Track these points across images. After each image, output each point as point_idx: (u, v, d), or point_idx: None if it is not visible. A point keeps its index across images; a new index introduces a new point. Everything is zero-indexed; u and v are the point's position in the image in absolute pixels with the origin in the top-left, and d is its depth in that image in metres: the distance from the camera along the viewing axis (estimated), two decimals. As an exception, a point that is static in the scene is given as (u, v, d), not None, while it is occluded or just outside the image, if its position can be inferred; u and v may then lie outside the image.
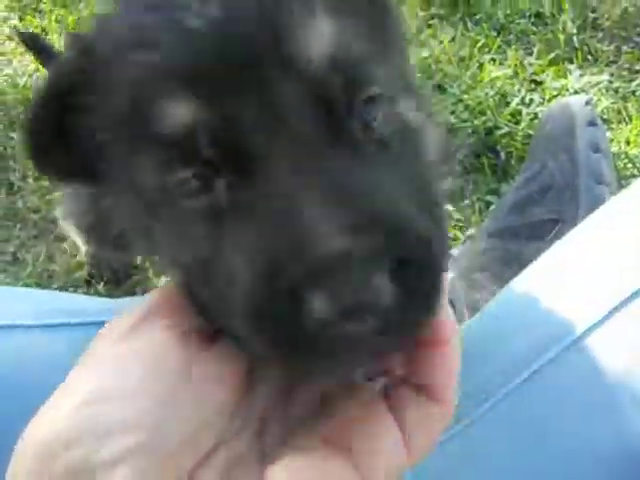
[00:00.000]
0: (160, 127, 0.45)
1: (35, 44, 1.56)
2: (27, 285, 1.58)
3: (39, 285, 1.58)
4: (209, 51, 0.45)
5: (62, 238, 1.66)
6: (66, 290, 1.56)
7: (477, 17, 1.90)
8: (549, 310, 0.84)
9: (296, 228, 0.41)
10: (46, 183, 1.78)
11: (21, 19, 2.16)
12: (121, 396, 0.45)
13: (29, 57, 2.07)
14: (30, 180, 1.79)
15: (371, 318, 0.40)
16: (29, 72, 2.04)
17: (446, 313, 0.49)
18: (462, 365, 0.89)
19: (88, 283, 1.58)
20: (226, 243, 0.45)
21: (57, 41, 2.04)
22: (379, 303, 0.40)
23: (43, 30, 2.11)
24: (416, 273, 0.42)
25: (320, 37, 0.45)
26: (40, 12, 2.15)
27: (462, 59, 1.84)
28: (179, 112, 0.44)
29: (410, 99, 0.54)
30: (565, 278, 0.85)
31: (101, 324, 0.52)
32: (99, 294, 1.56)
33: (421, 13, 1.94)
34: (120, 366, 0.46)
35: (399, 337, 0.43)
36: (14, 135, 1.89)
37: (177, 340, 0.48)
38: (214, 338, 0.50)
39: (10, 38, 2.14)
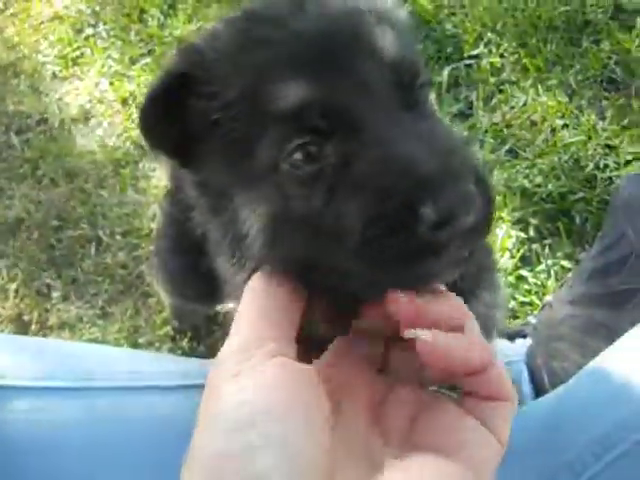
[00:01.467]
0: (276, 106, 0.58)
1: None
2: (116, 339, 1.66)
3: (126, 339, 1.66)
4: (312, 46, 0.59)
5: (148, 294, 1.74)
6: (152, 345, 1.64)
7: (548, 82, 1.94)
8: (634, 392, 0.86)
9: (399, 161, 0.54)
10: (133, 240, 1.88)
11: (111, 84, 2.30)
12: (259, 419, 0.51)
13: (118, 119, 2.21)
14: (118, 237, 1.90)
15: (465, 219, 0.52)
16: (118, 133, 2.18)
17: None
18: (551, 436, 0.92)
19: (172, 339, 1.66)
20: (337, 197, 0.57)
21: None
22: (473, 203, 0.52)
23: (131, 94, 2.25)
24: (483, 188, 0.55)
25: (389, 39, 0.61)
26: (129, 77, 2.30)
27: (534, 124, 1.87)
28: (293, 92, 0.57)
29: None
30: None
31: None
32: (182, 349, 1.63)
33: (492, 79, 1.99)
34: (248, 395, 0.53)
35: (475, 234, 0.55)
36: (104, 193, 2.01)
37: (284, 365, 0.55)
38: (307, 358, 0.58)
39: (100, 101, 2.28)
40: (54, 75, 2.40)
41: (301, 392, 0.53)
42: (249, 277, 0.63)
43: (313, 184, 0.58)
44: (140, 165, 2.07)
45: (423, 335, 0.54)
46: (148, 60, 2.31)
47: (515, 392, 0.58)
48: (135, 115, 2.20)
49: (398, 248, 0.53)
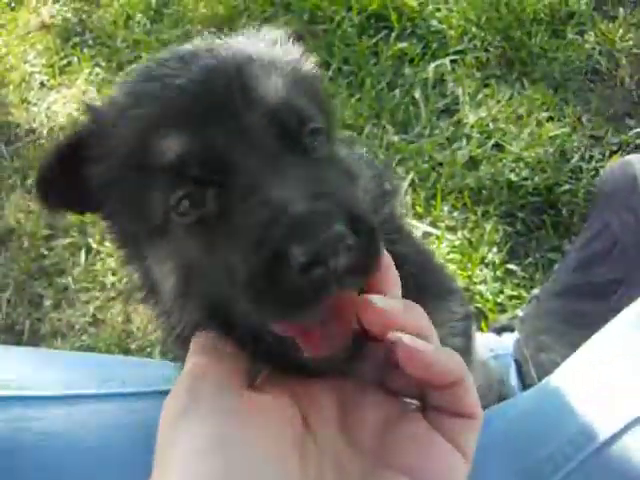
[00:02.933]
0: (159, 159, 0.60)
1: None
2: (107, 345, 1.66)
3: (118, 345, 1.66)
4: (193, 99, 0.61)
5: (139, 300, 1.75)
6: (143, 350, 1.64)
7: (533, 76, 1.94)
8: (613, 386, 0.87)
9: (270, 207, 0.54)
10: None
11: (99, 91, 2.31)
12: (223, 446, 0.50)
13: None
14: (107, 244, 1.90)
15: (335, 259, 0.51)
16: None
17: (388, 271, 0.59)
18: (532, 431, 0.92)
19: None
20: (220, 243, 0.58)
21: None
22: (343, 244, 0.51)
23: (119, 101, 2.25)
24: (361, 228, 0.54)
25: (275, 87, 0.63)
26: (116, 85, 2.30)
27: (520, 117, 1.87)
28: (172, 145, 0.60)
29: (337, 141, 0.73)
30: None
31: None
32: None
33: (477, 74, 1.99)
34: (207, 425, 0.52)
35: (356, 274, 0.54)
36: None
37: (241, 393, 0.54)
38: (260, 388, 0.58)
39: (88, 109, 2.29)
40: (42, 84, 2.40)
41: (264, 416, 0.53)
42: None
43: (199, 231, 0.60)
44: (129, 171, 2.07)
45: (407, 339, 0.53)
46: (135, 66, 2.32)
47: (481, 409, 0.56)
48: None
49: (275, 292, 0.53)
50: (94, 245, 1.90)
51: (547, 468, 0.85)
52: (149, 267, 0.68)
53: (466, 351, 0.98)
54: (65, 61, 2.43)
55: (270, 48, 0.70)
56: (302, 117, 0.63)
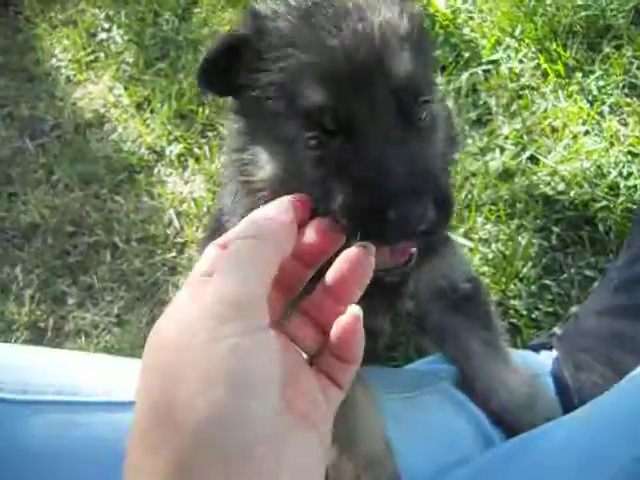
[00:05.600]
0: (302, 103, 0.77)
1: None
2: (132, 347, 1.64)
3: (143, 347, 1.64)
4: (339, 61, 0.75)
5: (164, 301, 1.72)
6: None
7: (569, 88, 1.91)
8: None
9: (379, 172, 0.74)
10: (149, 247, 1.86)
11: (125, 88, 2.29)
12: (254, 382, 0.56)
13: (133, 124, 2.20)
14: (134, 243, 1.88)
15: (418, 225, 0.73)
16: (132, 138, 2.16)
17: None
18: (592, 452, 0.89)
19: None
20: (329, 175, 0.77)
21: (158, 110, 2.16)
22: (425, 215, 0.72)
23: (146, 99, 2.24)
24: (442, 202, 0.75)
25: (405, 64, 0.78)
26: (143, 82, 2.28)
27: (555, 130, 1.85)
28: (315, 97, 0.76)
29: (434, 98, 0.87)
30: None
31: None
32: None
33: (511, 85, 1.96)
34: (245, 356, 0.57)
35: (429, 232, 0.75)
36: (119, 199, 2.00)
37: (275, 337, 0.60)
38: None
39: (115, 106, 2.27)
40: (68, 79, 2.39)
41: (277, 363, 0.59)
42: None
43: (318, 162, 0.79)
44: (155, 170, 2.05)
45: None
46: (163, 64, 2.30)
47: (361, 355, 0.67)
48: (149, 120, 2.18)
49: (368, 225, 0.73)
50: (120, 244, 1.88)
51: None
52: (256, 156, 0.86)
53: (475, 297, 1.17)
54: (92, 57, 2.42)
55: (401, 16, 0.82)
56: (417, 92, 0.79)
